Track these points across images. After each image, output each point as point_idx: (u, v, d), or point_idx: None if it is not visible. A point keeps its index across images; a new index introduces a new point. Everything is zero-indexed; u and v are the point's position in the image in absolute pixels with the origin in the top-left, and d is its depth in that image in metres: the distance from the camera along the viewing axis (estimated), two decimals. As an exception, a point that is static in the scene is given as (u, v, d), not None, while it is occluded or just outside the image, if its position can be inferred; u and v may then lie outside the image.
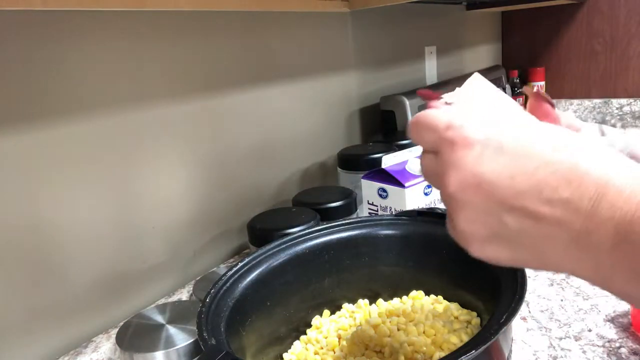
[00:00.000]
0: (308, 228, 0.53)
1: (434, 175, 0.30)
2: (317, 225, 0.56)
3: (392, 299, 0.54)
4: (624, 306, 0.59)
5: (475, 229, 0.28)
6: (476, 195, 0.27)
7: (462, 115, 0.29)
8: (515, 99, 1.76)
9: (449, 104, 0.34)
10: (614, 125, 1.65)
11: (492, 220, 0.27)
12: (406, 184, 0.66)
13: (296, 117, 0.97)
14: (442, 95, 0.35)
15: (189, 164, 0.77)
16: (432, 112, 0.30)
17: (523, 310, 0.60)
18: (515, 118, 0.29)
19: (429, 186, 0.68)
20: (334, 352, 0.47)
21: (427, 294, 0.53)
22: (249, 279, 0.46)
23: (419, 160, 0.33)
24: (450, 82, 1.33)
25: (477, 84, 0.36)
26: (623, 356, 0.50)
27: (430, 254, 0.51)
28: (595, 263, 0.25)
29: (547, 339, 0.54)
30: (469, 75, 0.36)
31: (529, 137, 0.27)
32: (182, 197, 0.77)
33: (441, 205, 0.70)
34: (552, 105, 0.35)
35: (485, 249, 0.29)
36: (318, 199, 0.77)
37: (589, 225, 0.24)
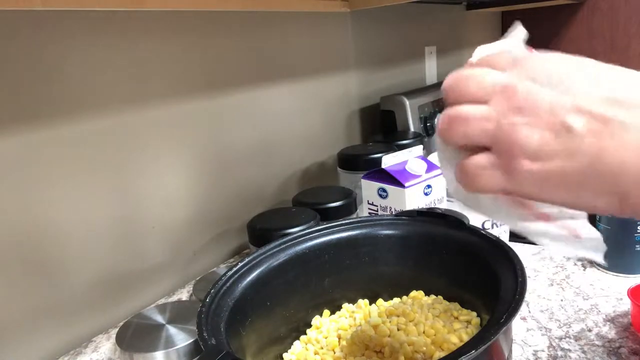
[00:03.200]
0: (308, 228, 0.53)
1: (491, 90, 0.28)
2: (317, 225, 0.56)
3: (392, 299, 0.54)
4: (624, 306, 0.59)
5: (531, 134, 0.26)
6: (547, 95, 0.26)
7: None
8: None
9: None
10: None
11: (556, 121, 0.26)
12: (406, 184, 0.66)
13: (296, 117, 0.97)
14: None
15: (189, 164, 0.77)
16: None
17: (523, 310, 0.60)
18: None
19: (429, 186, 0.68)
20: (334, 352, 0.47)
21: (427, 294, 0.53)
22: (249, 279, 0.46)
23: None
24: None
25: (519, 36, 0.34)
26: (623, 356, 0.50)
27: (430, 254, 0.51)
28: None
29: (547, 339, 0.55)
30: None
31: (601, 63, 0.27)
32: (182, 197, 0.77)
33: (441, 205, 0.70)
34: None
35: (533, 164, 0.27)
36: (318, 199, 0.77)
37: None
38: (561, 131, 0.26)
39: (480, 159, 0.28)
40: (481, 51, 0.32)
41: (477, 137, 0.28)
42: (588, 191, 0.26)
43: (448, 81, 0.30)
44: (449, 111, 0.29)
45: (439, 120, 0.30)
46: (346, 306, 0.54)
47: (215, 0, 0.74)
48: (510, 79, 0.27)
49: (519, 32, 0.33)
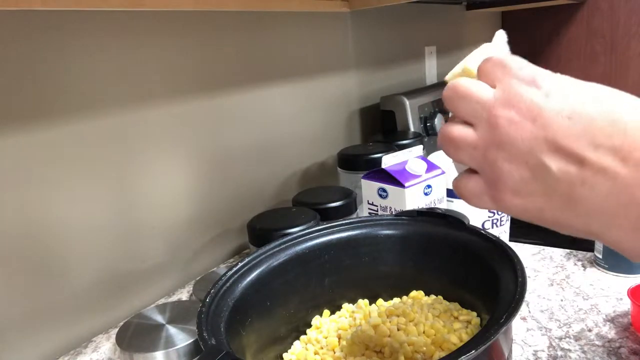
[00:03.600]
0: (308, 228, 0.53)
1: (473, 114, 0.29)
2: (317, 225, 0.56)
3: (392, 299, 0.54)
4: (624, 306, 0.59)
5: (511, 170, 0.27)
6: (526, 130, 0.27)
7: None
8: None
9: None
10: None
11: (533, 160, 0.27)
12: (406, 184, 0.66)
13: (296, 117, 0.97)
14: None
15: (188, 164, 0.77)
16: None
17: (523, 310, 0.60)
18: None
19: (429, 186, 0.68)
20: (334, 352, 0.47)
21: (427, 294, 0.53)
22: (249, 279, 0.46)
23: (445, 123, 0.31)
24: (450, 82, 1.33)
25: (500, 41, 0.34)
26: (623, 356, 0.50)
27: (430, 254, 0.51)
28: (634, 218, 0.25)
29: (547, 339, 0.55)
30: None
31: (588, 87, 0.27)
32: (182, 197, 0.77)
33: (441, 205, 0.70)
34: None
35: (515, 200, 0.28)
36: (318, 199, 0.77)
37: (636, 175, 0.24)
38: (538, 171, 0.27)
39: (472, 185, 0.31)
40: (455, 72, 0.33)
41: (467, 162, 0.31)
42: (565, 227, 0.28)
43: (445, 92, 0.31)
44: (444, 129, 0.31)
45: (438, 135, 0.32)
46: (346, 306, 0.54)
47: (215, 0, 0.74)
48: (496, 105, 0.28)
49: (500, 37, 0.34)
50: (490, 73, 0.29)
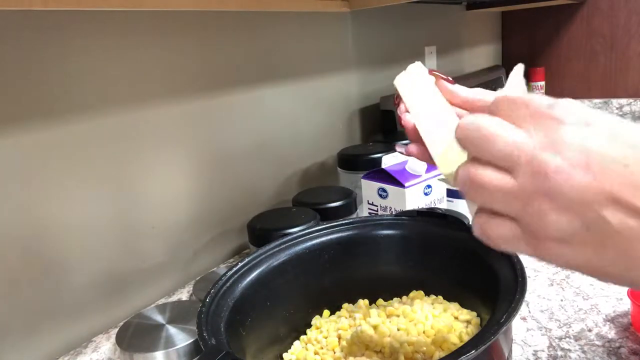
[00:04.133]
0: (308, 228, 0.53)
1: (507, 156, 0.25)
2: (317, 225, 0.56)
3: (392, 299, 0.54)
4: (624, 306, 0.59)
5: (560, 221, 0.24)
6: (577, 179, 0.24)
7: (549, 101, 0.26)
8: None
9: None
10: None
11: (587, 212, 0.24)
12: (406, 184, 0.66)
13: (296, 117, 0.97)
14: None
15: (189, 164, 0.77)
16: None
17: (523, 310, 0.60)
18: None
19: (429, 186, 0.68)
20: (334, 352, 0.47)
21: (427, 294, 0.53)
22: (249, 279, 0.46)
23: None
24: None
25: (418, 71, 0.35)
26: (623, 356, 0.50)
27: (430, 254, 0.51)
28: None
29: (547, 339, 0.55)
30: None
31: (632, 128, 0.24)
32: (182, 197, 0.77)
33: (441, 205, 0.70)
34: (450, 82, 0.36)
35: (560, 249, 0.25)
36: (318, 199, 0.77)
37: None
38: (593, 223, 0.24)
39: (504, 229, 0.27)
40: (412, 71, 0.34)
41: (500, 210, 0.27)
42: (613, 279, 0.26)
43: (464, 132, 0.27)
44: (471, 173, 0.27)
45: (459, 173, 0.28)
46: (346, 306, 0.54)
47: (215, 1, 0.74)
48: (538, 150, 0.25)
49: (518, 70, 0.32)
50: (510, 111, 0.26)
